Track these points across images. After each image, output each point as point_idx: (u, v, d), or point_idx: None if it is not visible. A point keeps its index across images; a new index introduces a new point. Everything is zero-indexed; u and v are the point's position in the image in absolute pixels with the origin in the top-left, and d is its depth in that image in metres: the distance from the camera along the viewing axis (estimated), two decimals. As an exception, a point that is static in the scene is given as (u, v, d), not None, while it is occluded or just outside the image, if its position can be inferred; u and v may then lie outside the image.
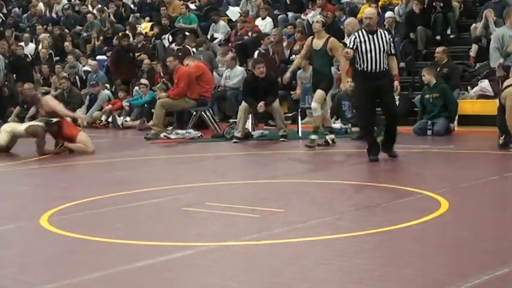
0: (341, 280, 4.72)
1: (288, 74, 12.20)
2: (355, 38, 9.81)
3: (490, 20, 14.66)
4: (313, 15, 17.14)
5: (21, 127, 12.01)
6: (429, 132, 12.67)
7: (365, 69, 9.71)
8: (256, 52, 16.08)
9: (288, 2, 18.95)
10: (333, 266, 5.01)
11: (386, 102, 9.86)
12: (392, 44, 9.95)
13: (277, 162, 10.95)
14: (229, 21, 19.45)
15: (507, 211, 6.78)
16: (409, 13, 16.16)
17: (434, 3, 16.05)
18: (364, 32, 9.81)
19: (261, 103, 12.75)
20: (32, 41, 21.79)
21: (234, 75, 16.19)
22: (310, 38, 11.55)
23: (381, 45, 9.67)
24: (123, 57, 17.87)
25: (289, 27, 17.45)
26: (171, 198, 7.69)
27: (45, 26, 22.54)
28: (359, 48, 9.68)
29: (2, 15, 25.22)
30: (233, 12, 19.44)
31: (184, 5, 19.98)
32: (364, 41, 9.69)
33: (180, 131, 13.76)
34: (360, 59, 9.71)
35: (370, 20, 9.85)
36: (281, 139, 12.60)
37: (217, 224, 6.52)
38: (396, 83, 9.91)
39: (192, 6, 20.52)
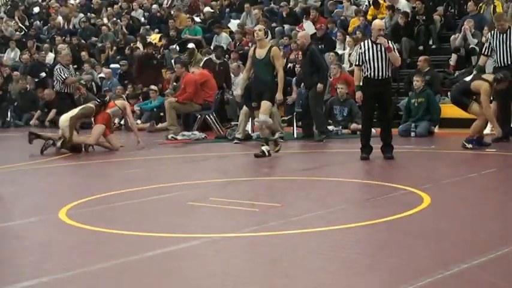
0: (333, 268, 4.70)
1: (239, 91, 11.10)
2: (360, 48, 9.87)
3: (468, 33, 14.67)
4: (308, 26, 17.14)
5: (74, 111, 12.05)
6: (412, 133, 12.68)
7: (369, 75, 9.68)
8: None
9: (284, 15, 18.93)
10: (326, 255, 4.99)
11: (383, 107, 9.88)
12: (395, 51, 9.94)
13: (274, 161, 10.92)
14: (231, 32, 19.43)
15: (485, 205, 6.76)
16: (395, 25, 16.16)
17: (417, 17, 16.07)
18: (370, 42, 9.77)
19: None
20: (51, 51, 21.77)
21: (238, 83, 16.15)
22: (252, 47, 10.57)
23: (383, 54, 9.62)
24: (146, 64, 17.59)
25: (285, 38, 17.43)
26: (177, 194, 7.67)
27: (63, 38, 22.52)
28: (363, 56, 9.68)
29: (24, 28, 25.21)
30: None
31: (190, 18, 20.01)
32: (369, 50, 9.65)
33: (186, 133, 13.74)
34: (365, 66, 9.69)
35: (382, 31, 9.84)
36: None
37: (220, 217, 6.50)
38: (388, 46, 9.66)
39: (197, 19, 20.52)
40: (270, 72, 10.28)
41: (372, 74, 9.64)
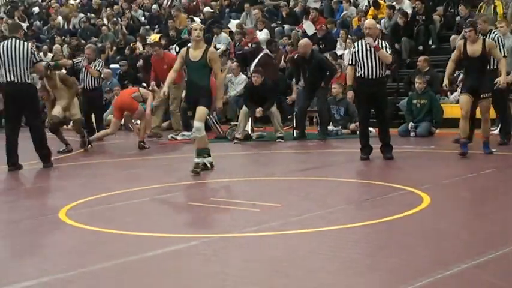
0: (333, 268, 4.71)
1: (165, 88, 9.46)
2: (353, 47, 9.89)
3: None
4: (308, 26, 17.15)
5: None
6: (412, 134, 12.69)
7: (362, 75, 9.68)
8: (261, 54, 15.53)
9: (284, 15, 18.94)
10: (326, 255, 5.00)
11: (378, 107, 9.88)
12: (389, 51, 9.85)
13: (274, 161, 10.94)
14: (230, 33, 19.45)
15: (484, 205, 6.77)
16: (394, 25, 16.18)
17: (417, 17, 16.08)
18: (363, 42, 9.75)
19: (259, 109, 12.77)
20: (51, 51, 21.78)
21: (238, 83, 16.20)
22: (185, 48, 9.21)
23: (376, 54, 9.61)
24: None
25: (284, 38, 17.44)
26: (178, 194, 7.68)
27: (63, 38, 22.54)
28: (356, 55, 9.69)
29: (24, 28, 25.22)
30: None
31: (189, 19, 20.01)
32: (361, 49, 9.65)
33: (186, 133, 13.73)
34: (358, 66, 9.70)
35: (370, 30, 9.75)
36: (278, 140, 12.61)
37: (219, 217, 6.51)
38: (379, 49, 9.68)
39: (197, 19, 20.52)
40: (206, 75, 9.04)
41: (365, 73, 9.64)
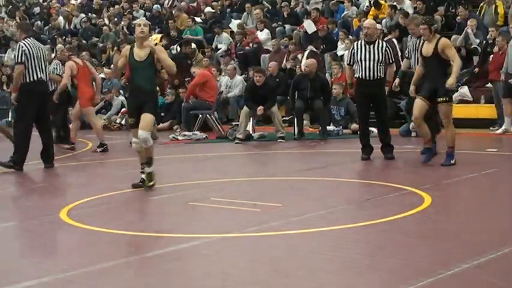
0: (333, 268, 4.71)
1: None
2: (352, 48, 9.80)
3: (470, 31, 14.66)
4: (308, 25, 17.15)
5: None
6: (413, 134, 12.68)
7: (360, 76, 9.61)
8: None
9: (286, 15, 18.95)
10: (326, 255, 5.01)
11: (377, 108, 9.82)
12: (389, 54, 9.71)
13: (275, 161, 10.94)
14: (231, 33, 19.45)
15: (485, 206, 6.77)
16: (396, 25, 16.15)
17: (418, 17, 16.06)
18: (362, 42, 9.69)
19: (260, 107, 12.79)
20: (52, 51, 21.81)
21: (234, 85, 16.22)
22: (129, 46, 8.09)
23: (377, 55, 9.54)
24: (183, 63, 16.52)
25: (285, 38, 17.45)
26: (178, 194, 7.68)
27: (64, 38, 22.55)
28: (355, 56, 9.61)
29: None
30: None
31: (190, 19, 20.02)
32: (361, 50, 9.57)
33: (187, 133, 13.76)
34: (356, 67, 9.62)
35: (368, 29, 9.67)
36: (279, 140, 12.62)
37: (220, 217, 6.51)
38: (387, 88, 9.94)
39: (198, 19, 20.53)
40: (152, 77, 8.01)
41: (363, 74, 9.58)
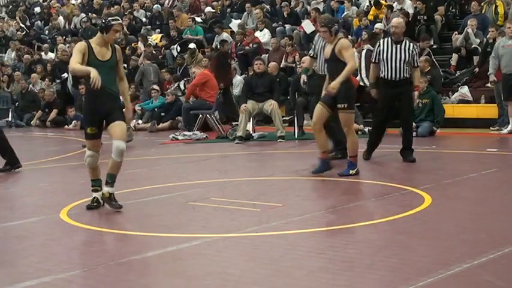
0: (334, 268, 4.71)
1: None
2: (378, 46, 9.43)
3: (470, 31, 14.68)
4: (306, 24, 17.15)
5: None
6: (414, 134, 12.66)
7: (386, 76, 9.28)
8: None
9: (286, 15, 18.96)
10: (327, 255, 5.01)
11: (403, 112, 9.44)
12: (416, 57, 9.37)
13: (275, 161, 10.94)
14: (232, 32, 19.46)
15: (485, 205, 6.77)
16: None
17: (418, 17, 16.08)
18: (389, 41, 9.33)
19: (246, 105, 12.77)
20: (52, 51, 21.83)
21: (234, 85, 16.24)
22: (84, 42, 6.89)
23: (403, 55, 9.19)
24: (223, 63, 16.22)
25: (285, 38, 17.46)
26: (178, 194, 7.68)
27: (64, 38, 22.56)
28: (381, 56, 9.28)
29: (25, 28, 25.24)
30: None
31: (191, 18, 20.04)
32: (387, 50, 9.24)
33: (187, 133, 13.77)
34: (382, 66, 9.29)
35: (396, 28, 9.31)
36: (279, 140, 12.62)
37: (221, 217, 6.51)
38: (416, 93, 9.50)
39: (198, 19, 20.55)
40: (115, 80, 7.03)
41: (389, 74, 9.25)
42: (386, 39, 9.47)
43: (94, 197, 7.03)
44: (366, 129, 13.22)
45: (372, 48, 12.83)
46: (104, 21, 6.85)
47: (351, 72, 8.47)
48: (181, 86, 17.00)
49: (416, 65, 9.39)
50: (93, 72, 6.53)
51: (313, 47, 9.97)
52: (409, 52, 9.24)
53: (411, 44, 9.41)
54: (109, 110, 6.83)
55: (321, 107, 8.45)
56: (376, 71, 9.47)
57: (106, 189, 6.88)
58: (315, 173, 8.53)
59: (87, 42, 6.87)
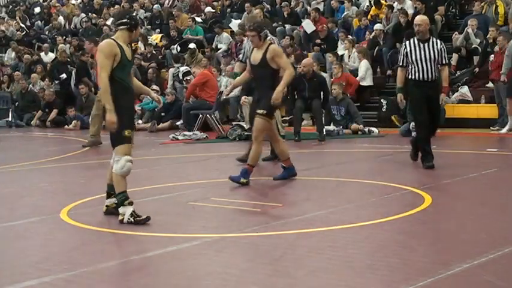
0: (334, 268, 4.71)
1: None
2: (405, 48, 8.88)
3: (470, 31, 14.68)
4: (306, 24, 17.16)
5: None
6: (413, 133, 12.66)
7: (415, 77, 8.74)
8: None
9: (286, 15, 18.96)
10: (327, 255, 5.01)
11: (433, 112, 8.90)
12: (444, 54, 8.83)
13: (275, 161, 10.92)
14: (232, 32, 19.47)
15: (485, 205, 6.77)
16: (396, 25, 16.19)
17: (418, 16, 16.07)
18: (415, 41, 8.79)
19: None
20: (52, 51, 21.83)
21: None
22: (115, 42, 6.40)
23: (432, 54, 8.70)
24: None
25: (286, 38, 17.46)
26: (179, 194, 7.68)
27: (64, 37, 22.57)
28: (409, 56, 8.75)
29: (25, 28, 25.26)
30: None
31: (191, 18, 20.05)
32: (415, 50, 8.73)
33: (187, 133, 13.78)
34: (410, 67, 8.78)
35: (420, 27, 8.75)
36: (278, 139, 12.60)
37: (221, 217, 6.51)
38: (442, 95, 8.99)
39: (198, 19, 20.56)
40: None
41: (420, 75, 8.71)
42: (412, 39, 8.91)
43: (133, 211, 6.22)
44: (366, 129, 13.26)
45: None
46: (131, 18, 6.53)
47: (291, 79, 8.13)
48: (180, 75, 16.97)
49: (444, 62, 8.88)
50: (111, 116, 6.12)
51: (242, 51, 9.51)
52: (437, 50, 8.75)
53: (438, 41, 8.92)
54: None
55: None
56: (403, 75, 8.93)
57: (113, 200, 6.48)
58: (275, 179, 8.31)
59: (115, 41, 6.38)
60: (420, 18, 8.99)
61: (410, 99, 9.11)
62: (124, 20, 6.39)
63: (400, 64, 8.96)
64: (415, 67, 8.72)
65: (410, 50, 8.75)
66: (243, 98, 12.77)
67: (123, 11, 7.28)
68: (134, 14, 6.49)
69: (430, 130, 8.99)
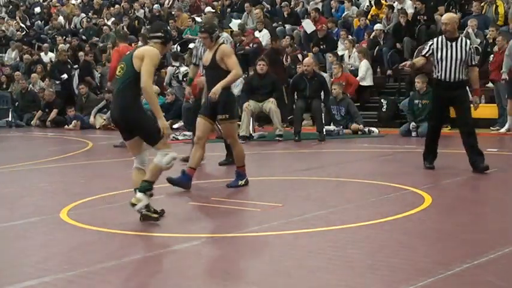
0: (334, 268, 4.71)
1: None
2: (432, 44, 8.52)
3: (470, 31, 14.68)
4: (306, 24, 17.15)
5: None
6: (414, 133, 12.70)
7: (439, 77, 8.39)
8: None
9: (286, 15, 18.97)
10: (327, 255, 5.01)
11: (460, 114, 8.57)
12: (473, 54, 8.50)
13: (275, 161, 10.95)
14: (232, 32, 19.46)
15: (485, 205, 6.78)
16: (396, 25, 16.19)
17: (418, 17, 16.09)
18: (443, 39, 8.40)
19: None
20: (52, 51, 21.84)
21: (234, 85, 16.15)
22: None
23: (459, 53, 8.31)
24: (275, 60, 15.57)
25: (286, 37, 17.46)
26: (179, 194, 7.68)
27: (64, 37, 22.58)
28: (434, 55, 8.39)
29: (25, 28, 25.26)
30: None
31: (191, 18, 20.04)
32: (441, 48, 8.34)
33: (187, 133, 13.75)
34: (435, 66, 8.45)
35: (447, 25, 8.38)
36: (276, 138, 12.63)
37: (221, 217, 6.51)
38: (475, 98, 8.68)
39: (198, 19, 20.54)
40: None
41: (444, 75, 8.34)
42: (440, 37, 8.52)
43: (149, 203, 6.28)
44: (366, 129, 13.26)
45: None
46: (166, 31, 6.51)
47: (235, 79, 7.93)
48: (180, 76, 16.95)
49: (473, 63, 8.51)
50: (164, 123, 6.17)
51: (194, 53, 9.38)
52: (466, 50, 8.36)
53: (468, 41, 8.54)
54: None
55: (202, 120, 7.89)
56: (423, 62, 8.57)
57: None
58: (173, 182, 7.79)
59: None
60: (447, 17, 8.64)
61: (432, 100, 8.80)
62: (159, 34, 6.40)
63: (424, 54, 8.58)
64: (439, 66, 8.39)
65: (437, 48, 8.39)
66: (245, 104, 12.78)
67: (158, 24, 7.18)
68: (168, 28, 6.53)
69: (437, 134, 8.71)
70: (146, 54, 6.21)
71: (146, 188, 6.21)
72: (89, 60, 18.95)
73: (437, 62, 8.38)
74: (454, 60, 8.30)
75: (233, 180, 7.98)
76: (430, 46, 8.51)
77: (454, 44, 8.36)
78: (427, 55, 8.49)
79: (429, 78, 13.33)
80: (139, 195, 6.17)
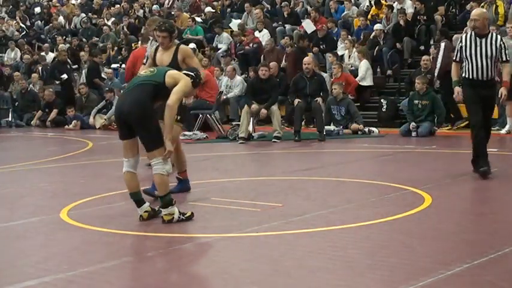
0: (334, 268, 4.71)
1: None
2: (460, 42, 8.22)
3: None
4: (307, 24, 17.15)
5: None
6: (414, 133, 12.70)
7: (469, 76, 8.06)
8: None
9: (286, 15, 18.97)
10: (327, 255, 5.01)
11: (485, 113, 8.17)
12: (505, 50, 8.06)
13: (275, 161, 10.94)
14: (231, 32, 19.48)
15: (485, 205, 6.78)
16: (396, 25, 16.21)
17: (418, 17, 16.10)
18: (472, 35, 8.07)
19: (263, 110, 12.82)
20: (52, 51, 21.84)
21: (234, 85, 16.26)
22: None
23: (489, 50, 7.97)
24: (299, 59, 14.88)
25: (286, 38, 17.47)
26: (178, 194, 7.67)
27: (64, 37, 22.58)
28: (463, 52, 8.07)
29: (25, 28, 25.27)
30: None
31: (191, 18, 20.04)
32: (470, 45, 8.01)
33: (187, 133, 13.76)
34: (464, 64, 8.13)
35: (476, 22, 8.01)
36: (273, 140, 12.62)
37: (221, 217, 6.51)
38: (502, 89, 8.12)
39: (198, 19, 20.56)
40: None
41: (474, 74, 8.01)
42: (469, 33, 8.21)
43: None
44: (366, 129, 13.26)
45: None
46: (197, 75, 6.53)
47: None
48: None
49: (505, 59, 8.08)
50: (169, 153, 6.28)
51: (146, 54, 8.86)
52: (496, 46, 8.01)
53: (498, 36, 8.17)
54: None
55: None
56: (457, 69, 8.28)
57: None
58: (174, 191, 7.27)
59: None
60: (476, 13, 8.25)
61: (463, 100, 8.36)
62: (191, 74, 6.49)
63: (454, 59, 8.31)
64: (468, 64, 8.04)
65: (465, 45, 8.04)
66: (253, 106, 12.79)
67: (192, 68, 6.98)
68: (199, 73, 6.51)
69: (486, 131, 8.23)
70: (184, 78, 6.30)
71: (167, 202, 6.24)
72: (97, 61, 18.95)
73: (466, 59, 8.06)
74: (484, 58, 7.96)
75: (176, 186, 7.61)
76: (457, 47, 8.20)
77: (483, 40, 8.01)
78: (458, 59, 8.21)
79: (429, 79, 13.39)
80: (169, 210, 6.21)
